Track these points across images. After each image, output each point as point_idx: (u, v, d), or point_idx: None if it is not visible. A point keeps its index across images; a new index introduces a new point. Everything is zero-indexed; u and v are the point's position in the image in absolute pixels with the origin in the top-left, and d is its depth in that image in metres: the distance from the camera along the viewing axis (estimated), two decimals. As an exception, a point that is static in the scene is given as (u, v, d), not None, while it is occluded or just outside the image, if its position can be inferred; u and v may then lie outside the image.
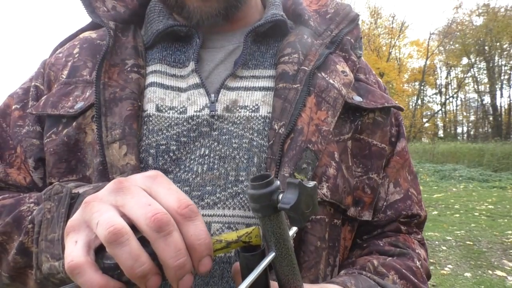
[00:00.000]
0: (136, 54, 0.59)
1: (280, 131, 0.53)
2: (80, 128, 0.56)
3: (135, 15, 0.64)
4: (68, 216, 0.41)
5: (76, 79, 0.59)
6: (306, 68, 0.58)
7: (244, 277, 0.34)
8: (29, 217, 0.49)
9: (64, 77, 0.61)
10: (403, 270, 0.56)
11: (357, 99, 0.60)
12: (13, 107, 0.63)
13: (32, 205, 0.51)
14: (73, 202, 0.43)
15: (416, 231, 0.67)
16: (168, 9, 0.64)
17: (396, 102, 0.65)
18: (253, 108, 0.56)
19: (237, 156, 0.53)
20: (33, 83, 0.64)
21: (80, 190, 0.45)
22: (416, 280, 0.57)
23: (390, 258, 0.58)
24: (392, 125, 0.66)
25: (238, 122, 0.55)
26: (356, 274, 0.53)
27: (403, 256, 0.59)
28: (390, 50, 26.50)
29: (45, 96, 0.60)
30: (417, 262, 0.60)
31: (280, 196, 0.31)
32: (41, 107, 0.58)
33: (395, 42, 26.57)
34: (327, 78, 0.58)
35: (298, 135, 0.53)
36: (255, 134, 0.54)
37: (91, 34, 0.66)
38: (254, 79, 0.59)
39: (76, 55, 0.62)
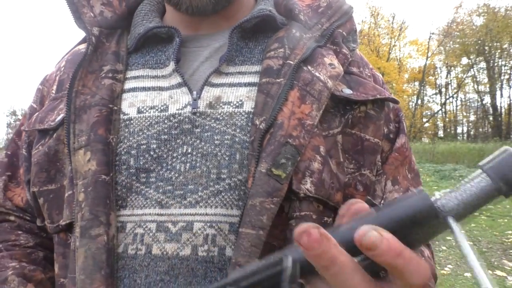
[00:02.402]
0: (116, 59, 0.60)
1: (260, 126, 0.52)
2: (59, 139, 0.57)
3: (123, 20, 0.64)
4: None
5: (62, 93, 0.61)
6: (291, 62, 0.56)
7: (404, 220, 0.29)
8: None
9: (54, 92, 0.63)
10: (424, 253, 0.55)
11: (347, 91, 0.58)
12: (22, 128, 0.66)
13: None
14: None
15: None
16: (155, 8, 0.65)
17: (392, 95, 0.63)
18: (237, 104, 0.55)
19: (219, 153, 0.52)
20: (31, 104, 0.68)
21: None
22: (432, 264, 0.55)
23: None
24: (391, 121, 0.63)
25: (220, 118, 0.54)
26: None
27: None
28: (390, 50, 26.51)
29: (36, 113, 0.63)
30: (426, 253, 0.58)
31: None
32: (32, 123, 0.61)
33: (395, 42, 26.59)
34: (313, 71, 0.56)
35: (277, 129, 0.51)
36: (238, 130, 0.53)
37: (84, 45, 0.66)
38: (240, 75, 0.58)
39: (62, 69, 0.65)
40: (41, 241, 0.63)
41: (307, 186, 0.51)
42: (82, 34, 0.67)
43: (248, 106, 0.55)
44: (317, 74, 0.56)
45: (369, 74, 0.64)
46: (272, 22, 0.61)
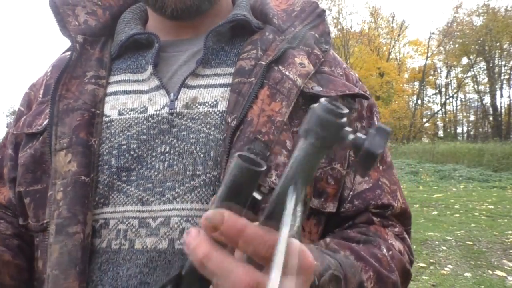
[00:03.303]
0: (99, 65, 0.63)
1: (232, 124, 0.55)
2: (45, 142, 0.60)
3: (106, 28, 0.68)
4: None
5: (48, 97, 0.63)
6: (263, 63, 0.59)
7: (228, 194, 0.31)
8: None
9: (41, 96, 0.66)
10: (362, 253, 0.53)
11: (317, 89, 0.60)
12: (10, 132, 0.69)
13: None
14: None
15: (393, 224, 0.63)
16: (136, 17, 0.69)
17: (367, 92, 0.65)
18: (212, 104, 0.58)
19: (194, 151, 0.55)
20: (19, 107, 0.70)
21: None
22: (379, 266, 0.53)
23: (354, 244, 0.55)
24: (364, 118, 0.65)
25: (196, 117, 0.57)
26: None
27: (368, 243, 0.56)
28: (390, 50, 26.52)
29: (24, 117, 0.65)
30: (384, 250, 0.56)
31: (351, 136, 0.28)
32: (20, 127, 0.64)
33: (395, 42, 26.59)
34: (283, 71, 0.59)
35: (247, 126, 0.54)
36: (212, 129, 0.56)
37: (68, 53, 0.69)
38: (215, 77, 0.61)
39: (49, 74, 0.68)
40: (19, 232, 0.63)
41: (272, 178, 0.53)
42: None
43: (222, 106, 0.58)
44: (287, 73, 0.59)
45: (341, 73, 0.67)
46: (247, 26, 0.65)
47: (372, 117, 0.67)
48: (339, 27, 24.95)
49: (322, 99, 0.28)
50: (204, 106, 0.58)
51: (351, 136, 0.28)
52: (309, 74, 0.60)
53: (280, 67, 0.59)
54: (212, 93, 0.59)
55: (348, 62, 22.04)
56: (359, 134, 0.28)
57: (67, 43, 0.66)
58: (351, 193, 0.62)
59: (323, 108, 0.28)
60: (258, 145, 0.53)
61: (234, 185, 0.31)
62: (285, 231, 0.27)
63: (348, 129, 0.28)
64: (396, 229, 0.63)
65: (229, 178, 0.31)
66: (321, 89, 0.60)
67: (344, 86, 0.62)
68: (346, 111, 0.28)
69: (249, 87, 0.57)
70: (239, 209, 0.31)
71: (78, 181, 0.54)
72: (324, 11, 0.68)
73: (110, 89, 0.62)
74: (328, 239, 0.55)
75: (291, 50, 0.62)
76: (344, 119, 0.28)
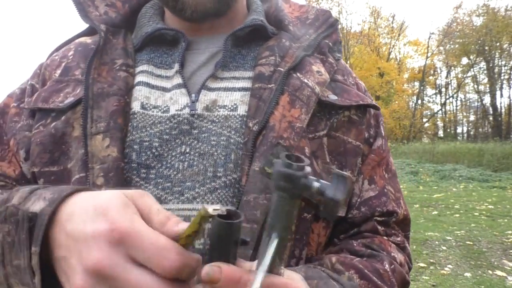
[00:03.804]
0: (126, 54, 0.63)
1: (254, 128, 0.56)
2: (69, 122, 0.58)
3: (126, 21, 0.68)
4: (31, 241, 0.40)
5: (68, 78, 0.62)
6: (282, 69, 0.61)
7: (214, 247, 0.36)
8: None
9: (57, 75, 0.64)
10: (366, 271, 0.56)
11: (332, 97, 0.62)
12: (11, 105, 0.66)
13: None
14: (32, 225, 0.41)
15: (396, 233, 0.66)
16: (158, 12, 0.69)
17: (374, 101, 0.67)
18: (232, 108, 0.59)
19: (215, 153, 0.56)
20: (29, 82, 0.67)
21: (36, 206, 0.42)
22: (380, 283, 0.56)
23: (357, 258, 0.58)
24: (371, 126, 0.67)
25: (216, 120, 0.58)
26: (311, 267, 0.53)
27: (372, 257, 0.59)
28: (390, 50, 26.52)
29: (37, 92, 0.63)
30: (387, 265, 0.59)
31: (315, 184, 0.32)
32: (33, 101, 0.61)
33: (395, 42, 26.60)
34: (301, 78, 0.61)
35: (269, 131, 0.56)
36: (233, 132, 0.57)
37: (87, 39, 0.69)
38: (234, 80, 0.62)
39: (71, 57, 0.66)
40: None
41: None
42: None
43: (242, 110, 0.59)
44: (305, 80, 0.61)
45: (352, 82, 0.70)
46: (263, 31, 0.66)
47: (379, 126, 0.69)
48: (339, 27, 24.89)
49: (282, 155, 0.32)
50: (224, 109, 0.59)
51: (316, 184, 0.32)
52: (326, 82, 0.62)
53: (298, 74, 0.61)
54: (231, 96, 0.60)
55: (348, 62, 22.04)
56: (322, 182, 0.32)
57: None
58: (358, 200, 0.64)
59: (284, 164, 0.31)
60: (280, 150, 0.54)
61: (217, 241, 0.35)
62: (260, 274, 0.32)
63: (311, 178, 0.32)
64: (399, 239, 0.66)
65: (212, 236, 0.35)
66: (336, 97, 0.63)
67: (357, 97, 0.65)
68: (306, 162, 0.32)
69: (269, 92, 0.59)
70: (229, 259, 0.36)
71: (119, 167, 0.54)
72: (337, 20, 0.71)
73: (135, 79, 0.62)
74: (334, 258, 0.56)
75: (307, 58, 0.64)
76: (306, 170, 0.31)
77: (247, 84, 0.61)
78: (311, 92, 0.60)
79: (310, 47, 0.66)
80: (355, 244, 0.61)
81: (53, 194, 0.42)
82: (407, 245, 0.67)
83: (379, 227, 0.64)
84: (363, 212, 0.63)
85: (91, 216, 0.37)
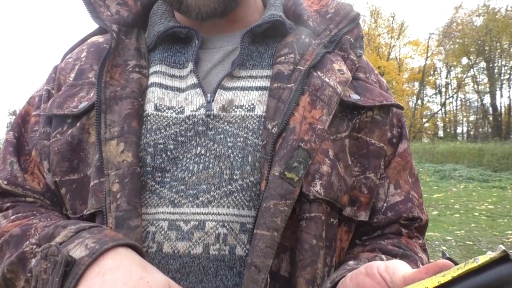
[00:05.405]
0: (139, 55, 0.61)
1: (273, 130, 0.53)
2: (84, 128, 0.57)
3: (139, 19, 0.66)
4: (63, 285, 0.42)
5: (82, 81, 0.61)
6: (302, 68, 0.58)
7: None
8: (31, 260, 0.49)
9: (71, 79, 0.62)
10: None
11: (355, 97, 0.59)
12: (32, 113, 0.65)
13: (34, 247, 0.51)
14: (68, 270, 0.43)
15: (417, 236, 0.65)
16: (170, 8, 0.65)
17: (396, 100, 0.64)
18: (249, 108, 0.57)
19: (231, 155, 0.54)
20: (45, 87, 0.66)
21: (77, 252, 0.44)
22: None
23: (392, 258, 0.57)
24: (394, 126, 0.65)
25: (233, 121, 0.56)
26: (368, 260, 0.53)
27: (406, 258, 0.58)
28: (390, 50, 26.52)
29: (52, 98, 0.62)
30: (420, 265, 0.58)
31: None
32: (48, 108, 0.60)
33: (395, 42, 26.60)
34: (322, 77, 0.58)
35: (290, 134, 0.53)
36: (250, 133, 0.55)
37: (99, 38, 0.67)
38: (251, 79, 0.59)
39: (83, 59, 0.64)
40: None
41: (317, 188, 0.52)
42: (85, 32, 0.67)
43: (260, 110, 0.56)
44: (326, 79, 0.57)
45: (375, 80, 0.66)
46: (281, 27, 0.63)
47: (402, 126, 0.67)
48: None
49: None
50: (241, 110, 0.56)
51: None
52: (348, 81, 0.59)
53: (319, 73, 0.58)
54: (248, 96, 0.58)
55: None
56: None
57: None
58: (385, 204, 0.62)
59: None
60: (301, 153, 0.52)
61: None
62: None
63: None
64: (420, 241, 0.65)
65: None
66: (359, 97, 0.60)
67: (381, 96, 0.62)
68: None
69: (289, 93, 0.56)
70: None
71: (135, 172, 0.52)
72: (358, 14, 0.66)
73: (149, 80, 0.60)
74: (384, 257, 0.55)
75: (328, 55, 0.61)
76: None
77: (265, 83, 0.59)
78: (332, 92, 0.57)
79: (331, 44, 0.62)
80: (384, 243, 0.60)
81: (95, 244, 0.44)
82: (426, 247, 0.66)
83: (403, 230, 0.63)
84: (389, 217, 0.62)
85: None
